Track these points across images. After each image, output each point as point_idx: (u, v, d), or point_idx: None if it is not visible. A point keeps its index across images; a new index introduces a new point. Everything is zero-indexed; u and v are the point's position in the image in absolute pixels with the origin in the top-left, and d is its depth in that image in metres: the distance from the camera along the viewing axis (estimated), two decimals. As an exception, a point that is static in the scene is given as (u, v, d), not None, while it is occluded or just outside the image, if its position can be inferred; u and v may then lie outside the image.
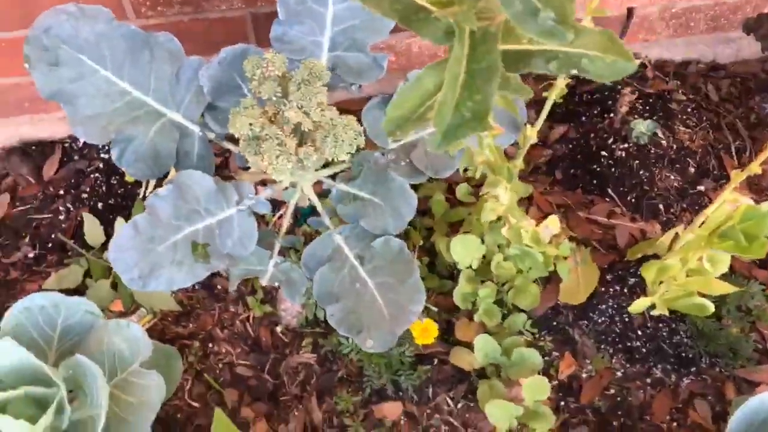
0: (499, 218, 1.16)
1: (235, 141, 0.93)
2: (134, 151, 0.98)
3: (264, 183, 1.03)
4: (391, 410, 1.12)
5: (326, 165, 1.03)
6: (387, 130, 0.59)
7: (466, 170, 1.02)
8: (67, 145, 1.41)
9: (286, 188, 1.01)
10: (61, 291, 1.22)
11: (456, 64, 0.50)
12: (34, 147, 1.40)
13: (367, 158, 0.99)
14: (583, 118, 1.42)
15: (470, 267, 1.13)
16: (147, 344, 1.01)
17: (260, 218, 1.18)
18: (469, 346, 1.13)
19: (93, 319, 1.03)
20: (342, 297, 0.98)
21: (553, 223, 1.07)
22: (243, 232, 0.97)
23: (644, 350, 1.16)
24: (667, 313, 1.08)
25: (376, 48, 1.02)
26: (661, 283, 1.06)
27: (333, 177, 1.03)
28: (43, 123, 1.39)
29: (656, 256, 1.16)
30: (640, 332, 1.17)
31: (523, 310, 1.17)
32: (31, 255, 1.29)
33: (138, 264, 0.89)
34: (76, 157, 1.39)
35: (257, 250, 1.00)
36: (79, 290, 1.23)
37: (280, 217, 1.12)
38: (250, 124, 0.82)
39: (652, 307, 1.08)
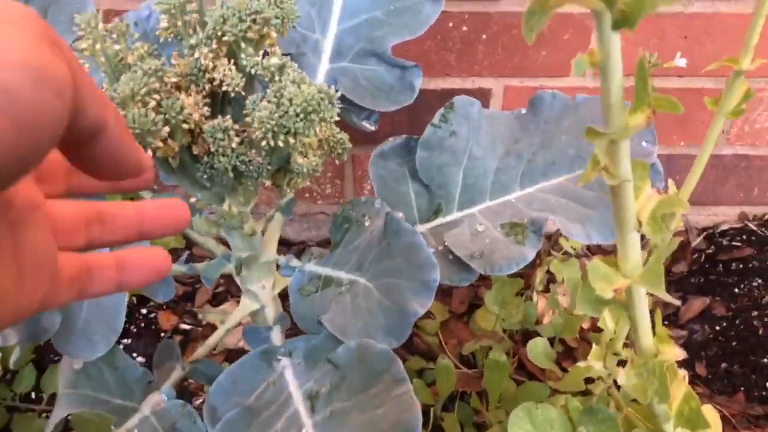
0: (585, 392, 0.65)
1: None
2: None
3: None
4: None
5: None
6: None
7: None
8: None
9: (207, 258, 0.55)
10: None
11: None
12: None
13: (359, 209, 0.53)
14: (735, 290, 0.91)
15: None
16: None
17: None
18: None
19: None
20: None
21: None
22: (101, 308, 0.49)
23: None
24: None
25: (401, 52, 0.59)
26: None
27: (299, 251, 0.56)
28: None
29: None
30: None
31: None
32: None
33: None
34: None
35: (125, 363, 0.51)
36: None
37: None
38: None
39: None
